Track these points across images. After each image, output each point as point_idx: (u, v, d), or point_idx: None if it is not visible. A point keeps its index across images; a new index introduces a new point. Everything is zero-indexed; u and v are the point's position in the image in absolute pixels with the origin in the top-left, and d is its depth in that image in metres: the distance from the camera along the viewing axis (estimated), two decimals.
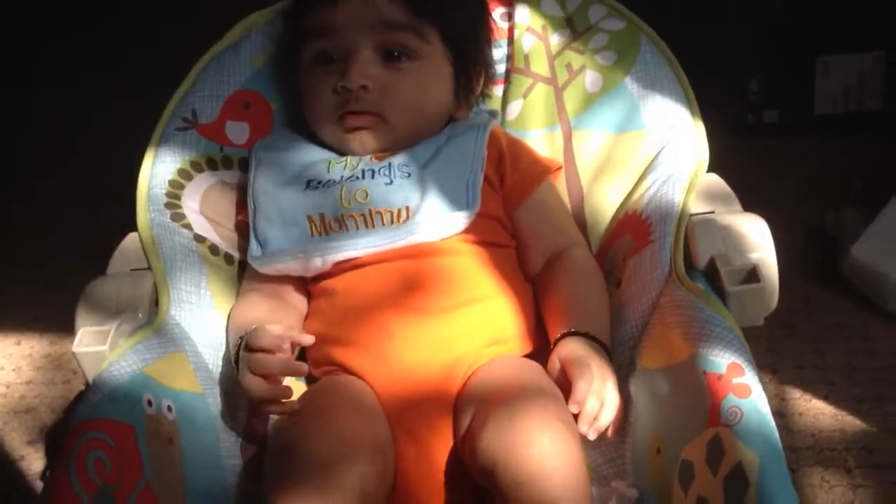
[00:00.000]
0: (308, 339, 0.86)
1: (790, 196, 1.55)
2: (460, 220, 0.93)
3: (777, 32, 1.64)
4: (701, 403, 0.74)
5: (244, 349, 0.85)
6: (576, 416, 0.81)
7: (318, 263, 0.93)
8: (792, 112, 1.70)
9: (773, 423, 0.71)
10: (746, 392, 0.72)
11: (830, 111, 1.69)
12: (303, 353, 0.94)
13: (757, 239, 0.87)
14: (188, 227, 0.97)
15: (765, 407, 0.72)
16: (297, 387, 0.93)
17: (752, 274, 0.85)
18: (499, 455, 0.76)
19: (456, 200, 0.93)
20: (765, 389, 0.74)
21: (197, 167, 1.00)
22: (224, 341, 0.93)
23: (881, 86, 1.66)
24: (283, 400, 0.82)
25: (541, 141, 1.06)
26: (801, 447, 1.20)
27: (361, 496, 0.76)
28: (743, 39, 1.68)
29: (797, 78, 1.68)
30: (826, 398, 1.26)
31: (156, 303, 0.91)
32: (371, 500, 0.79)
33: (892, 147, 1.59)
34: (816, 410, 1.25)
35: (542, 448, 0.75)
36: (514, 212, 0.99)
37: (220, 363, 0.92)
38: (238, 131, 1.03)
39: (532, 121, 1.06)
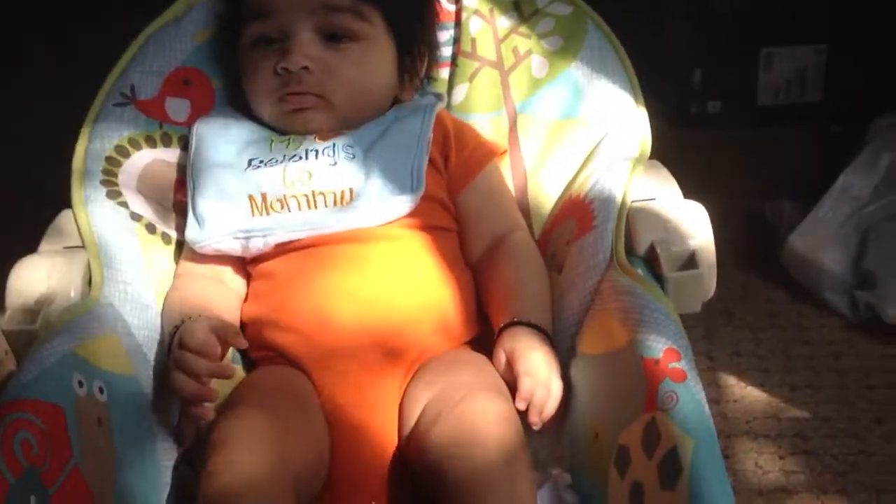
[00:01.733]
0: (241, 343, 0.85)
1: (731, 186, 1.57)
2: (404, 203, 0.92)
3: (721, 24, 1.65)
4: (638, 388, 0.75)
5: (176, 345, 0.83)
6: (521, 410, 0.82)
7: (259, 244, 0.92)
8: (734, 103, 1.72)
9: (707, 408, 0.72)
10: (682, 377, 0.73)
11: (772, 103, 1.71)
12: (243, 334, 0.92)
13: (696, 226, 0.88)
14: (124, 204, 0.95)
15: (700, 392, 0.72)
16: (237, 371, 0.91)
17: (691, 260, 0.86)
18: (445, 454, 0.76)
19: (400, 183, 0.93)
20: (701, 376, 0.75)
21: (135, 144, 0.98)
22: (159, 324, 0.92)
23: (822, 78, 1.68)
24: (207, 404, 0.81)
25: (486, 125, 1.05)
26: (735, 433, 1.22)
27: (294, 490, 0.76)
28: (687, 30, 1.69)
29: (740, 69, 1.70)
30: (761, 386, 1.29)
31: (89, 282, 0.89)
32: (304, 495, 0.79)
33: (831, 139, 1.62)
34: (751, 398, 1.27)
35: (489, 449, 0.75)
36: (457, 195, 0.98)
37: (155, 346, 0.90)
38: (178, 108, 1.01)
39: (478, 105, 1.06)
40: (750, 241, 1.49)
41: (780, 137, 1.67)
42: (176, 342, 0.83)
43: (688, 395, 0.72)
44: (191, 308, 0.88)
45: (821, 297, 1.39)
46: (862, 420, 1.23)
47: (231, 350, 0.90)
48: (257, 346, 0.91)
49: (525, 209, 1.02)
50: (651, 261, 0.88)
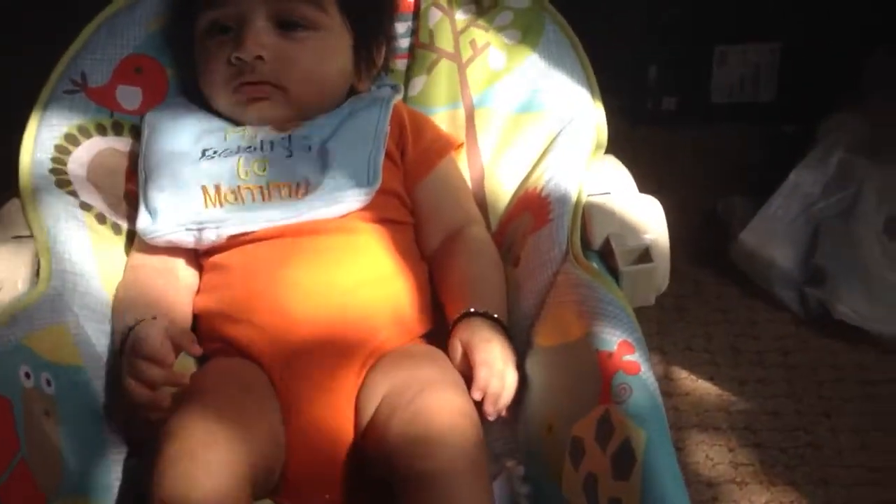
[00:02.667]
0: (196, 351, 0.83)
1: (684, 182, 1.59)
2: (360, 196, 0.91)
3: (676, 21, 1.67)
4: (592, 381, 0.75)
5: (129, 351, 0.82)
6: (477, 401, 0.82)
7: (212, 236, 0.91)
8: (689, 100, 1.74)
9: (660, 400, 0.73)
10: (635, 369, 0.74)
11: (726, 100, 1.73)
12: (196, 326, 0.92)
13: (651, 220, 0.89)
14: (74, 193, 0.93)
15: (653, 384, 0.73)
16: (189, 362, 0.90)
17: (645, 254, 0.87)
18: (401, 449, 0.76)
19: (356, 176, 0.92)
20: (654, 370, 0.75)
21: (85, 132, 0.96)
22: (109, 315, 0.90)
23: (775, 77, 1.70)
24: (157, 409, 0.80)
25: (443, 117, 1.05)
26: (686, 426, 1.23)
27: (249, 482, 0.75)
28: (643, 27, 1.70)
29: (695, 66, 1.71)
30: (711, 379, 1.30)
31: (37, 272, 0.87)
32: (260, 487, 0.78)
33: (783, 137, 1.64)
34: (702, 391, 1.29)
35: (445, 442, 0.75)
36: (414, 188, 0.98)
37: (104, 338, 0.89)
38: (130, 97, 1.00)
39: (435, 97, 1.05)
40: (702, 237, 1.51)
41: (734, 135, 1.68)
42: (129, 347, 0.82)
43: (641, 387, 0.72)
44: (143, 305, 0.87)
45: (771, 292, 1.41)
46: (810, 414, 1.25)
47: None
48: (210, 338, 0.90)
49: (482, 202, 1.02)
50: (606, 254, 0.89)
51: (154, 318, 0.85)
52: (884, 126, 1.45)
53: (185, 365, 0.88)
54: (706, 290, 1.45)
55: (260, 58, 0.92)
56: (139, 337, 0.82)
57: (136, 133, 0.98)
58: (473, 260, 0.94)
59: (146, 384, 0.80)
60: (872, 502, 1.13)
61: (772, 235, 1.41)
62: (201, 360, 0.90)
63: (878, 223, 1.35)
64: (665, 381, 1.29)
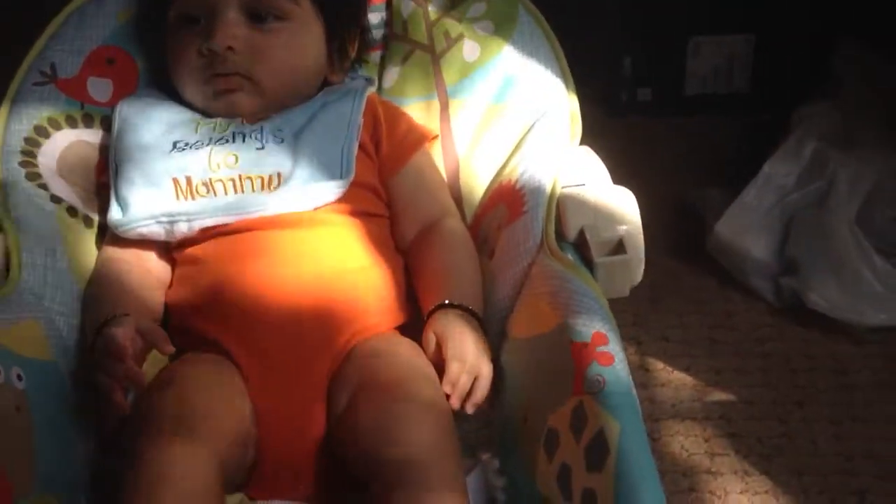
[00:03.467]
0: (169, 349, 0.83)
1: (659, 173, 1.59)
2: (333, 189, 0.91)
3: (650, 12, 1.67)
4: (567, 372, 0.75)
5: (101, 349, 0.81)
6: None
7: (184, 229, 0.90)
8: (664, 91, 1.74)
9: (634, 391, 0.73)
10: (610, 360, 0.74)
11: (700, 91, 1.73)
12: (167, 320, 0.91)
13: (625, 211, 0.89)
14: (44, 186, 0.93)
15: (627, 376, 0.73)
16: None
17: (620, 245, 0.87)
18: (373, 442, 0.76)
19: (330, 168, 0.92)
20: (629, 361, 0.76)
21: (55, 124, 0.95)
22: (80, 309, 0.89)
23: (749, 68, 1.71)
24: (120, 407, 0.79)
25: (417, 109, 1.04)
26: (662, 417, 1.24)
27: (220, 475, 0.74)
28: (617, 18, 1.70)
29: (669, 58, 1.71)
30: (687, 370, 1.31)
31: (7, 266, 0.86)
32: (230, 479, 0.78)
33: (757, 128, 1.65)
34: (678, 382, 1.29)
35: (418, 436, 0.75)
36: (389, 180, 0.97)
37: (76, 332, 0.88)
38: (101, 88, 0.99)
39: (409, 89, 1.05)
40: (678, 227, 1.51)
41: (708, 126, 1.69)
42: (100, 344, 0.82)
43: (615, 378, 0.73)
44: (114, 300, 0.87)
45: (746, 283, 1.41)
46: (785, 403, 1.26)
47: None
48: (182, 332, 0.89)
49: (457, 194, 1.02)
50: (581, 246, 0.89)
51: (126, 314, 0.84)
52: (856, 116, 1.46)
53: (158, 358, 0.87)
54: (682, 280, 1.46)
55: (231, 49, 0.92)
56: (110, 334, 0.81)
57: (107, 125, 0.97)
58: (449, 252, 0.94)
59: (117, 381, 0.79)
60: (847, 491, 1.14)
61: (746, 226, 1.42)
62: (173, 354, 0.90)
63: (850, 213, 1.36)
64: (641, 371, 1.30)
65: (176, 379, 0.81)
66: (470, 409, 0.82)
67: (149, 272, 0.93)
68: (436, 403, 0.79)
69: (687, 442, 1.21)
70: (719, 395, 1.27)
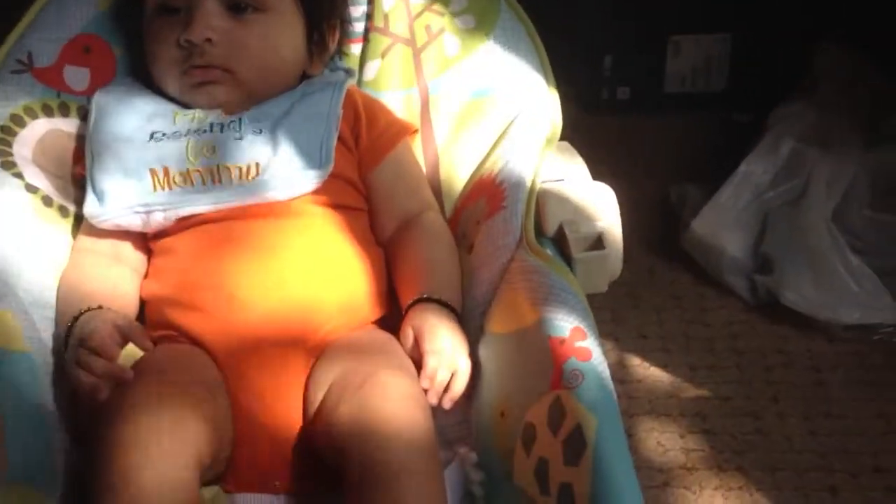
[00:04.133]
0: (147, 346, 0.82)
1: (638, 170, 1.60)
2: (312, 179, 0.91)
3: (631, 11, 1.67)
4: (545, 367, 0.76)
5: (75, 342, 0.81)
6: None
7: (160, 219, 0.89)
8: (643, 89, 1.75)
9: (612, 386, 0.73)
10: (587, 356, 0.74)
11: (679, 90, 1.74)
12: (144, 312, 0.90)
13: (604, 207, 0.89)
14: (19, 175, 0.92)
15: (605, 371, 0.74)
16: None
17: (598, 241, 0.87)
18: (350, 435, 0.76)
19: (308, 159, 0.91)
20: (606, 357, 0.76)
21: (31, 113, 0.95)
22: (54, 301, 0.89)
23: (727, 67, 1.72)
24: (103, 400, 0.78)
25: (398, 103, 1.04)
26: (638, 413, 1.24)
27: (196, 469, 0.74)
28: (598, 16, 1.70)
29: (649, 56, 1.72)
30: (663, 366, 1.31)
31: None
32: (206, 474, 0.77)
33: (734, 127, 1.66)
34: (654, 378, 1.30)
35: (393, 429, 0.75)
36: (368, 174, 0.97)
37: (49, 324, 0.87)
38: (77, 77, 0.98)
39: (389, 82, 1.04)
40: (655, 224, 1.52)
41: (687, 124, 1.70)
42: (76, 337, 0.81)
43: (593, 373, 0.73)
44: (90, 292, 0.86)
45: (722, 280, 1.42)
46: (759, 399, 1.27)
47: None
48: (158, 324, 0.88)
49: (436, 188, 1.02)
50: (559, 241, 0.89)
51: (100, 307, 0.83)
52: (833, 116, 1.47)
53: (134, 350, 0.86)
54: (659, 277, 1.46)
55: (209, 41, 0.91)
56: (87, 328, 0.81)
57: (84, 114, 0.97)
58: (428, 246, 0.94)
59: (101, 378, 0.79)
60: (820, 487, 1.15)
61: (722, 224, 1.42)
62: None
63: (826, 212, 1.37)
64: (618, 367, 1.30)
65: (152, 370, 0.81)
66: (447, 405, 0.83)
67: (125, 263, 0.92)
68: (412, 396, 0.79)
69: (662, 438, 1.22)
70: (695, 392, 1.28)
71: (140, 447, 0.72)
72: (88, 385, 0.79)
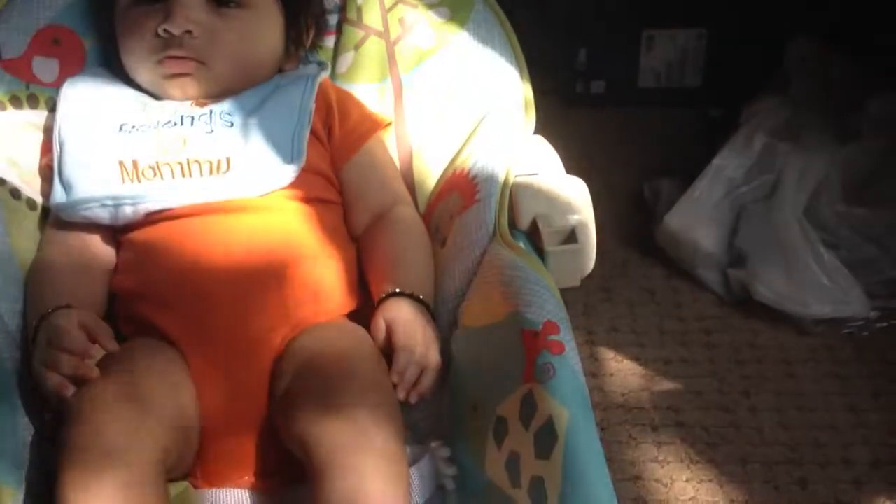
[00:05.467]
0: (113, 347, 0.81)
1: (612, 164, 1.60)
2: (284, 174, 0.90)
3: (606, 4, 1.68)
4: (517, 360, 0.75)
5: (43, 341, 0.80)
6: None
7: (129, 213, 0.88)
8: (618, 84, 1.75)
9: (583, 379, 0.73)
10: (560, 349, 0.74)
11: (653, 85, 1.75)
12: (113, 306, 0.89)
13: (577, 201, 0.89)
14: None
15: (577, 364, 0.73)
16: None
17: (571, 235, 0.87)
18: (313, 426, 0.75)
19: (280, 153, 0.91)
20: (579, 351, 0.76)
21: None
22: (22, 294, 0.88)
23: (701, 62, 1.73)
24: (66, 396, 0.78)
25: (371, 96, 1.03)
26: (611, 406, 1.25)
27: (162, 463, 0.74)
28: (573, 10, 1.71)
29: (623, 51, 1.72)
30: (636, 360, 1.32)
31: None
32: (174, 468, 0.77)
33: (708, 122, 1.66)
34: (627, 371, 1.30)
35: (357, 421, 0.74)
36: (341, 167, 0.96)
37: (17, 318, 0.86)
38: (46, 68, 0.97)
39: (363, 75, 1.04)
40: (629, 218, 1.52)
41: (661, 118, 1.70)
42: (43, 336, 0.80)
43: (565, 367, 0.73)
44: (58, 288, 0.85)
45: (695, 274, 1.43)
46: (731, 393, 1.28)
47: None
48: (127, 319, 0.88)
49: (410, 182, 1.01)
50: (533, 235, 0.89)
51: (68, 305, 0.83)
52: (805, 111, 1.48)
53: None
54: (632, 271, 1.47)
55: (189, 32, 0.90)
56: (55, 328, 0.80)
57: (53, 106, 0.95)
58: (400, 240, 0.94)
59: (60, 374, 0.78)
60: (790, 479, 1.16)
61: (695, 218, 1.43)
62: (120, 341, 0.88)
63: (798, 207, 1.38)
64: (591, 361, 1.31)
65: (119, 365, 0.80)
66: (414, 400, 0.82)
67: (93, 257, 0.91)
68: (379, 383, 0.79)
69: (634, 430, 1.22)
70: (667, 385, 1.29)
71: (105, 442, 0.72)
72: (55, 383, 0.78)
